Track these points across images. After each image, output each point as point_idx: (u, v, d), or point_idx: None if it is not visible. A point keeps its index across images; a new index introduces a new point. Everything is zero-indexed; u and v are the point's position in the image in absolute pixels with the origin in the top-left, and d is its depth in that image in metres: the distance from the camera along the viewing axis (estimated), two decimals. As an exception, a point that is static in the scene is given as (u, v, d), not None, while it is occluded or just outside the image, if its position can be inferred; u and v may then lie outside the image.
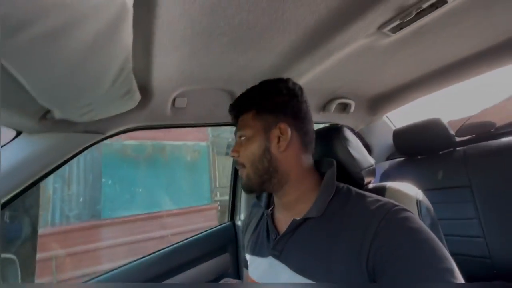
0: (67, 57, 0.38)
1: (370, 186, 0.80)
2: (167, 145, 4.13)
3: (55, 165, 0.64)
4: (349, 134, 0.77)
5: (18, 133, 0.59)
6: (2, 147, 0.57)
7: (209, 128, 5.01)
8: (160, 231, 3.72)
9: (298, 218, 0.53)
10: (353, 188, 0.57)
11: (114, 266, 0.83)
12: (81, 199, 3.49)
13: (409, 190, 0.67)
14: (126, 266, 0.84)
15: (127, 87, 0.56)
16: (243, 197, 1.14)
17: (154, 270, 0.85)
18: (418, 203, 0.64)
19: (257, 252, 0.60)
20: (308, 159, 0.60)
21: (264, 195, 0.69)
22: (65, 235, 3.24)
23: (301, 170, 0.58)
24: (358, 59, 0.90)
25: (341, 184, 0.58)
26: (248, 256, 0.65)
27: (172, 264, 0.89)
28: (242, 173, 0.59)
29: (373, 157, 0.83)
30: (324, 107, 1.31)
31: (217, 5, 0.48)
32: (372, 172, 0.78)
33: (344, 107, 1.40)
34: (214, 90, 0.86)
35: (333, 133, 0.75)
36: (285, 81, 0.60)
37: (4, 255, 0.83)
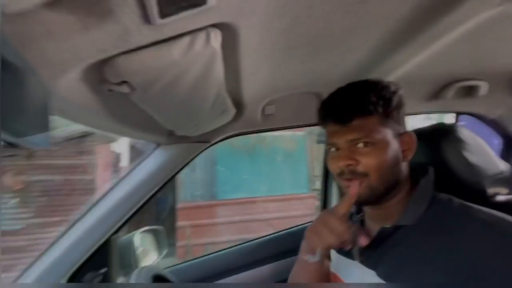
0: (179, 97, 0.51)
1: (501, 198, 0.63)
2: (267, 136, 4.44)
3: (180, 167, 0.86)
4: (465, 134, 0.63)
5: (157, 145, 0.82)
6: (149, 155, 0.82)
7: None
8: (263, 214, 4.12)
9: (387, 226, 0.51)
10: (456, 199, 0.51)
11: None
12: (203, 182, 4.31)
13: None
14: (228, 250, 1.01)
15: (222, 107, 0.67)
16: (334, 189, 1.13)
17: (247, 257, 0.99)
18: None
19: (344, 253, 0.60)
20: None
21: None
22: (193, 210, 4.11)
23: (406, 180, 0.54)
24: (485, 33, 0.70)
25: (441, 194, 0.52)
26: (334, 254, 0.65)
27: (265, 254, 1.00)
28: (360, 183, 0.50)
29: None
30: (437, 94, 1.09)
31: (292, 24, 0.50)
32: (503, 181, 0.62)
33: (469, 91, 1.10)
34: (300, 95, 0.88)
35: (440, 134, 0.64)
36: (397, 85, 0.55)
37: (155, 227, 1.17)
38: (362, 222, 0.61)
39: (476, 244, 0.41)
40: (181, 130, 0.70)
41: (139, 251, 1.01)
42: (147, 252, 1.08)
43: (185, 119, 0.63)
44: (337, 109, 0.53)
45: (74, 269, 0.76)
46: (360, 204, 0.54)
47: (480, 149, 0.64)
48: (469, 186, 0.59)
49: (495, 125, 1.29)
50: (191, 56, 0.43)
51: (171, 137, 0.78)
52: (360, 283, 0.46)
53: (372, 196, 0.51)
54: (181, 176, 4.31)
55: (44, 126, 0.34)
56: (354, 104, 0.51)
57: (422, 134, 0.69)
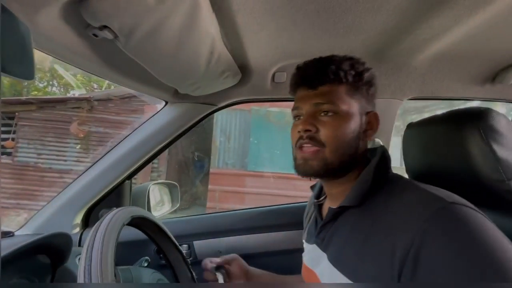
0: (165, 48, 0.51)
1: None
2: (304, 113, 4.30)
3: (187, 126, 0.88)
4: (499, 123, 0.52)
5: (166, 103, 0.86)
6: (159, 112, 0.86)
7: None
8: (291, 190, 4.14)
9: (334, 207, 0.51)
10: (408, 179, 0.49)
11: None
12: (236, 152, 4.46)
13: None
14: (227, 213, 1.05)
15: (222, 67, 0.66)
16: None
17: (241, 223, 1.00)
18: None
19: (308, 239, 0.61)
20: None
21: (317, 186, 0.64)
22: (224, 176, 4.33)
23: (362, 160, 0.53)
24: None
25: (396, 175, 0.50)
26: (304, 242, 0.66)
27: (257, 223, 1.00)
28: (315, 153, 0.49)
29: None
30: (494, 78, 0.89)
31: None
32: None
33: (541, 77, 0.88)
34: (316, 63, 0.81)
35: (469, 119, 0.52)
36: (371, 69, 0.53)
37: (171, 182, 1.27)
38: (321, 206, 0.61)
39: (412, 222, 0.37)
40: (182, 87, 0.71)
41: (152, 199, 1.12)
42: (160, 202, 1.18)
43: (180, 75, 0.63)
44: (308, 74, 0.52)
45: (91, 204, 0.88)
46: (313, 176, 0.51)
47: None
48: (490, 185, 0.49)
49: None
50: (169, 4, 0.42)
51: (177, 95, 0.81)
52: (356, 283, 0.43)
53: (326, 170, 0.49)
54: (216, 144, 4.51)
55: (26, 60, 0.37)
56: (325, 69, 0.50)
57: (449, 118, 0.58)
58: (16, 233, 0.81)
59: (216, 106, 0.87)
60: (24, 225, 0.85)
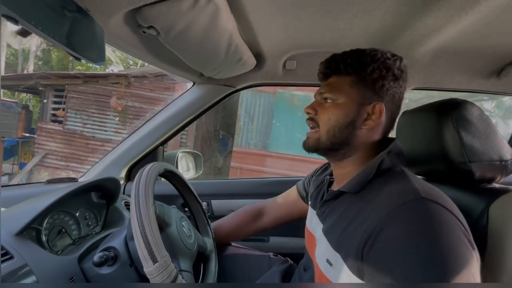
0: (194, 42, 0.66)
1: (495, 185, 0.61)
2: (328, 98, 4.30)
3: (210, 104, 1.05)
4: (471, 113, 0.59)
5: (193, 84, 1.03)
6: (187, 91, 1.04)
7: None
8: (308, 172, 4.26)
9: (335, 190, 0.57)
10: (406, 171, 0.51)
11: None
12: (258, 133, 4.63)
13: None
14: (238, 180, 1.22)
15: (238, 56, 0.80)
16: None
17: (250, 189, 1.17)
18: None
19: (313, 205, 0.69)
20: (377, 141, 0.57)
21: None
22: (246, 155, 4.55)
23: (367, 150, 0.56)
24: None
25: (398, 167, 0.52)
26: (309, 204, 0.74)
27: (263, 190, 1.16)
28: (313, 133, 0.58)
29: None
30: (500, 72, 0.93)
31: None
32: (498, 168, 0.59)
33: (548, 71, 0.90)
34: (323, 53, 0.90)
35: (445, 109, 0.60)
36: (399, 60, 0.54)
37: (196, 151, 1.47)
38: (331, 183, 0.67)
39: (382, 210, 0.43)
40: (206, 71, 0.87)
41: (180, 164, 1.33)
42: (186, 168, 1.39)
43: (204, 62, 0.78)
44: (323, 68, 0.60)
45: (132, 163, 1.10)
46: (307, 150, 0.60)
47: (484, 132, 0.59)
48: (456, 167, 0.57)
49: None
50: (196, 10, 0.56)
51: (203, 78, 0.97)
52: (355, 283, 0.46)
53: (318, 147, 0.57)
54: (240, 124, 4.71)
55: (99, 49, 0.54)
56: (333, 63, 0.57)
57: (431, 108, 0.67)
58: (79, 180, 1.06)
59: (234, 88, 1.02)
60: (84, 174, 1.11)
